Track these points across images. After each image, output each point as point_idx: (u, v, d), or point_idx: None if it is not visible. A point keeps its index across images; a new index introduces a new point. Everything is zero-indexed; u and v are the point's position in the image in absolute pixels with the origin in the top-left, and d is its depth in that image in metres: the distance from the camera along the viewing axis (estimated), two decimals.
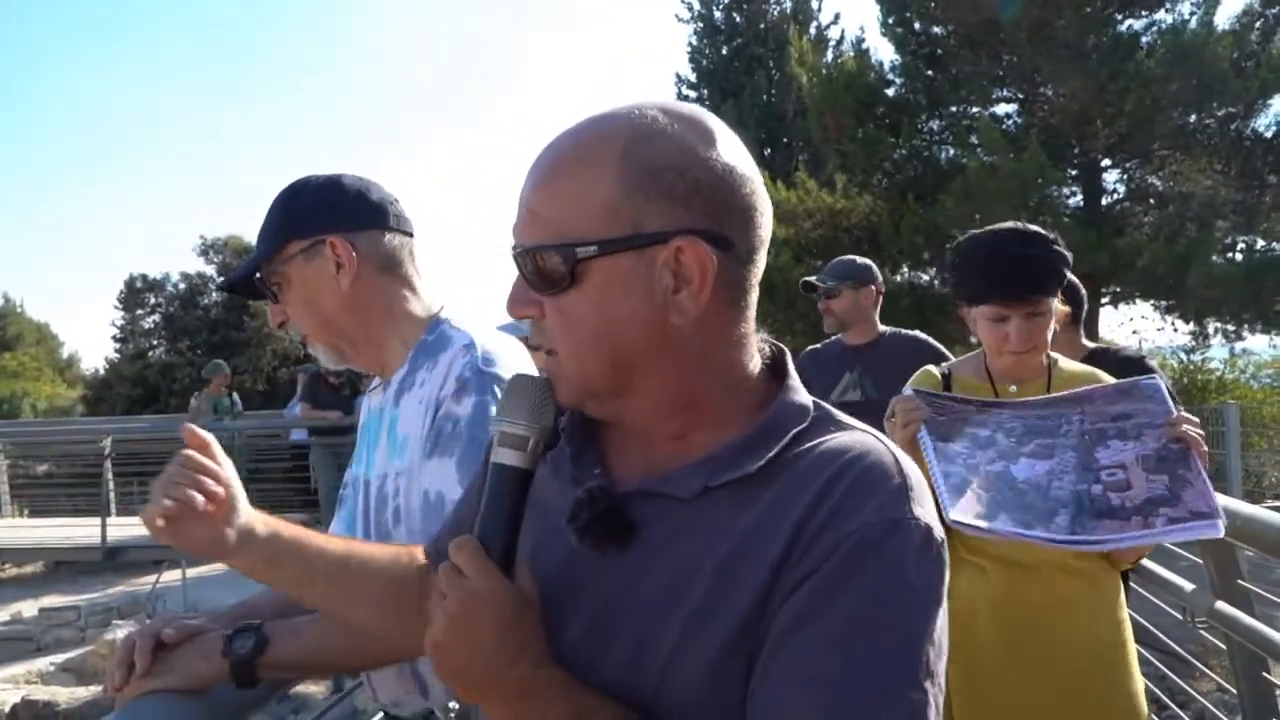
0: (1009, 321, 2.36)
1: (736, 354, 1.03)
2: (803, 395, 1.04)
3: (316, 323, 1.72)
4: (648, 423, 1.04)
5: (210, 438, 1.24)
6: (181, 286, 29.10)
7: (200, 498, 1.18)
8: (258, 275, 1.72)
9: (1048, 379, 2.44)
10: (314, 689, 7.34)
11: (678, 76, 24.70)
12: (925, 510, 0.94)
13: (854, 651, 0.88)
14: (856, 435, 0.99)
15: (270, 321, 1.82)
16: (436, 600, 0.95)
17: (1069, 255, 2.39)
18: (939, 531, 0.94)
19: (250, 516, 1.23)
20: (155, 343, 28.99)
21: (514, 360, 1.67)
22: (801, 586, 0.90)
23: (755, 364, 1.05)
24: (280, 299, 1.73)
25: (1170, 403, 2.16)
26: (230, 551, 1.21)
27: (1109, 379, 2.43)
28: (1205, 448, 2.06)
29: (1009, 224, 2.44)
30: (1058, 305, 2.42)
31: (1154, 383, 2.20)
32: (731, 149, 0.99)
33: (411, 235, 1.79)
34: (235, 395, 11.80)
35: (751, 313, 1.04)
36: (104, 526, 11.21)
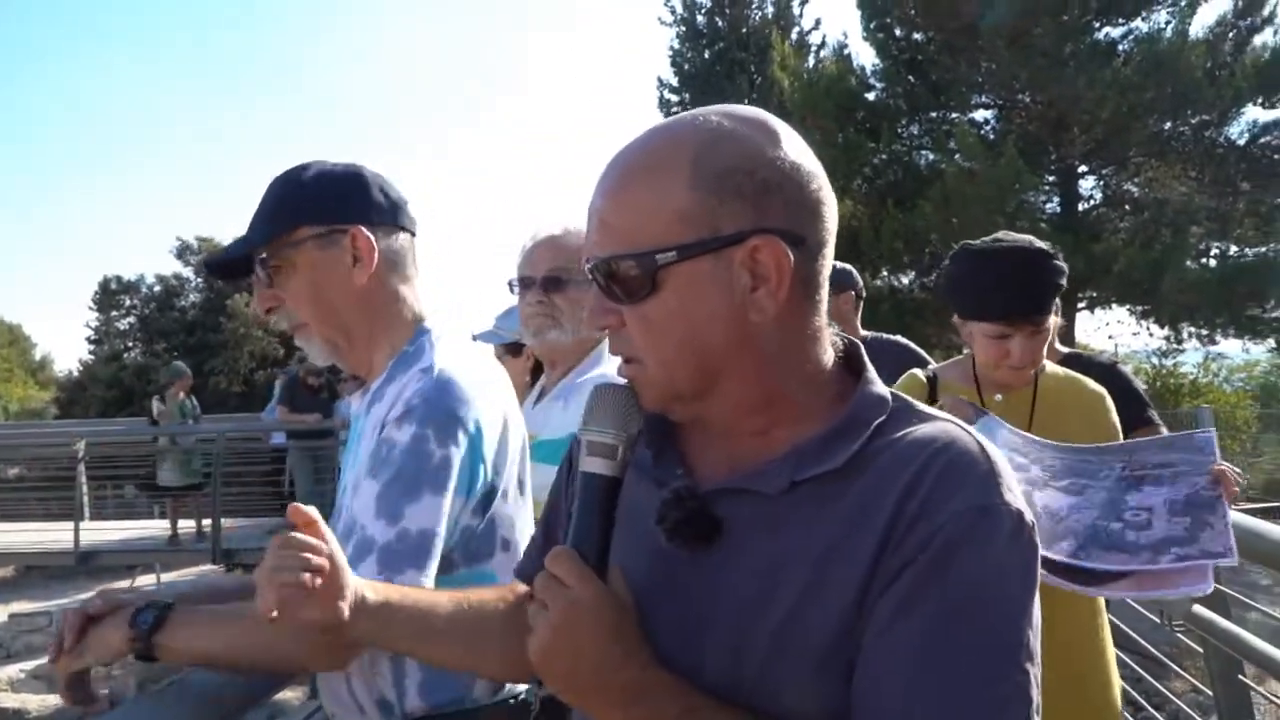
0: (1011, 339, 2.31)
1: (813, 348, 1.04)
2: (880, 387, 1.06)
3: (319, 314, 1.64)
4: (730, 421, 1.05)
5: (315, 513, 1.21)
6: (157, 288, 28.93)
7: (308, 576, 1.16)
8: (263, 255, 1.62)
9: (1034, 387, 2.43)
10: (290, 695, 7.29)
11: (659, 80, 24.78)
12: (1015, 495, 0.95)
13: (957, 638, 0.90)
14: (940, 425, 1.01)
15: (255, 306, 1.70)
16: (537, 611, 0.96)
17: (1066, 268, 2.36)
18: (1029, 515, 0.95)
19: (359, 585, 1.23)
20: (130, 345, 28.81)
21: (475, 388, 1.57)
22: (900, 577, 0.92)
23: (830, 357, 1.06)
24: (275, 283, 1.63)
25: (1217, 452, 2.13)
26: (347, 625, 1.21)
27: (1092, 385, 2.43)
28: (1236, 489, 2.05)
29: (1010, 237, 2.37)
30: (1054, 319, 2.41)
31: (1208, 436, 2.17)
32: (796, 146, 1.01)
33: (415, 235, 1.73)
34: (194, 398, 11.64)
35: (824, 306, 1.06)
36: (77, 531, 11.08)
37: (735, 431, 1.05)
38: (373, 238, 1.62)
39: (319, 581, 1.17)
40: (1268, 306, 15.02)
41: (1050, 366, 2.51)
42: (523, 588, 1.33)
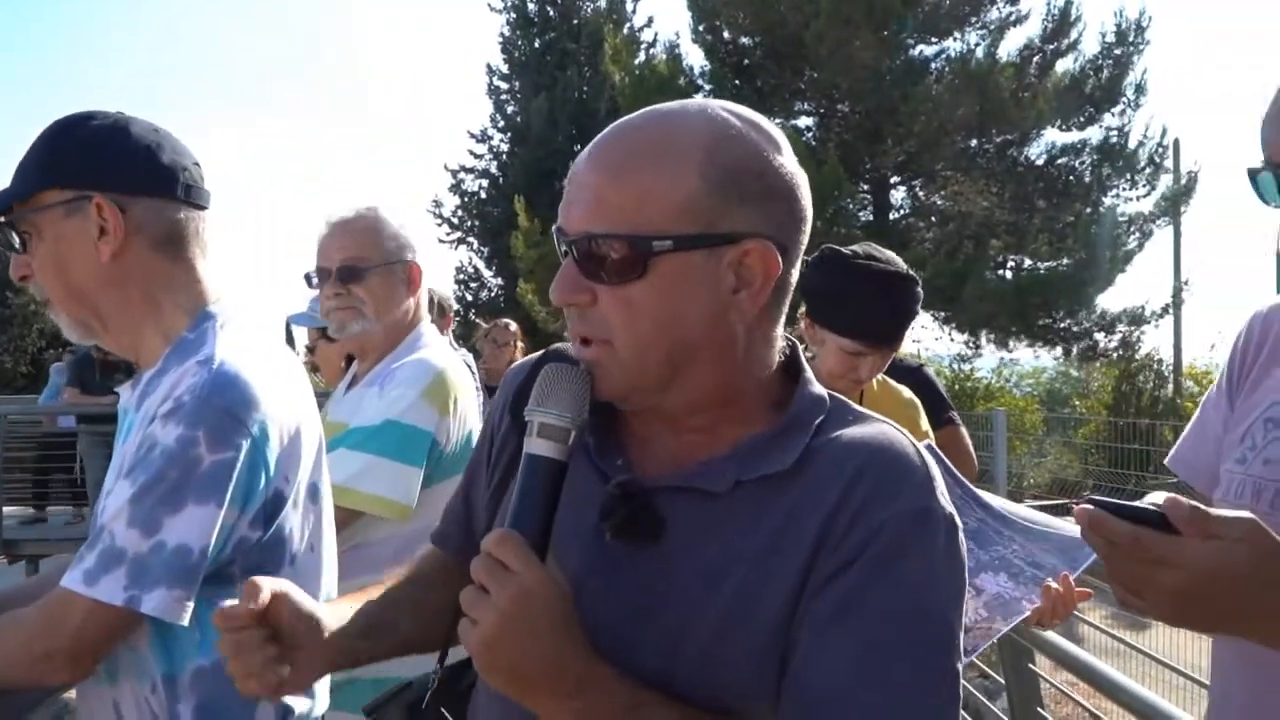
0: (866, 358, 2.29)
1: (770, 353, 1.06)
2: (818, 387, 1.07)
3: (63, 290, 1.47)
4: (679, 416, 1.04)
5: (275, 586, 1.08)
6: None
7: (268, 656, 1.07)
8: (8, 218, 1.45)
9: (860, 397, 2.44)
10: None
11: (489, 67, 24.44)
12: (946, 499, 0.99)
13: (897, 641, 0.92)
14: (876, 425, 1.04)
15: (11, 273, 1.52)
16: (476, 597, 0.90)
17: None
18: (959, 519, 0.99)
19: (311, 624, 1.12)
20: None
21: (262, 384, 1.41)
22: (837, 579, 0.93)
23: (775, 359, 1.07)
24: (28, 249, 1.45)
25: (1076, 570, 2.01)
26: (321, 669, 1.14)
27: (907, 394, 2.51)
28: (1055, 622, 1.99)
29: (884, 255, 2.31)
30: None
31: (1085, 555, 2.01)
32: (793, 157, 1.03)
33: (204, 209, 1.53)
34: None
35: (784, 315, 1.07)
36: None
37: (681, 426, 1.04)
38: (121, 209, 1.43)
39: (284, 673, 1.07)
40: (1057, 317, 16.12)
41: (878, 381, 2.56)
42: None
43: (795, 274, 1.05)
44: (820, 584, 0.94)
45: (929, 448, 2.08)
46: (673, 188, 0.95)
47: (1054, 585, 1.92)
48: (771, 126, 1.03)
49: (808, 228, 1.04)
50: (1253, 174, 1.22)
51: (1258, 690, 1.27)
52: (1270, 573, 1.02)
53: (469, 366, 4.29)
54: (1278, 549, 1.03)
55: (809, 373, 1.08)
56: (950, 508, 0.98)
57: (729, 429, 1.03)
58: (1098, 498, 1.04)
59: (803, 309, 2.42)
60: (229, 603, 1.06)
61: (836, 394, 1.08)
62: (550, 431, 0.98)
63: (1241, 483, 1.23)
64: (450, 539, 1.31)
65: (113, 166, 1.44)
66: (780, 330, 1.07)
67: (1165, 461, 1.53)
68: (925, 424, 2.52)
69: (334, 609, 1.19)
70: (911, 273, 2.31)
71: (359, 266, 2.26)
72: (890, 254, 2.34)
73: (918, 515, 0.95)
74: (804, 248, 1.05)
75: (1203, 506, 1.04)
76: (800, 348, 1.11)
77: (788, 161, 1.01)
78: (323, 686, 1.56)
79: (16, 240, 1.45)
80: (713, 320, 0.98)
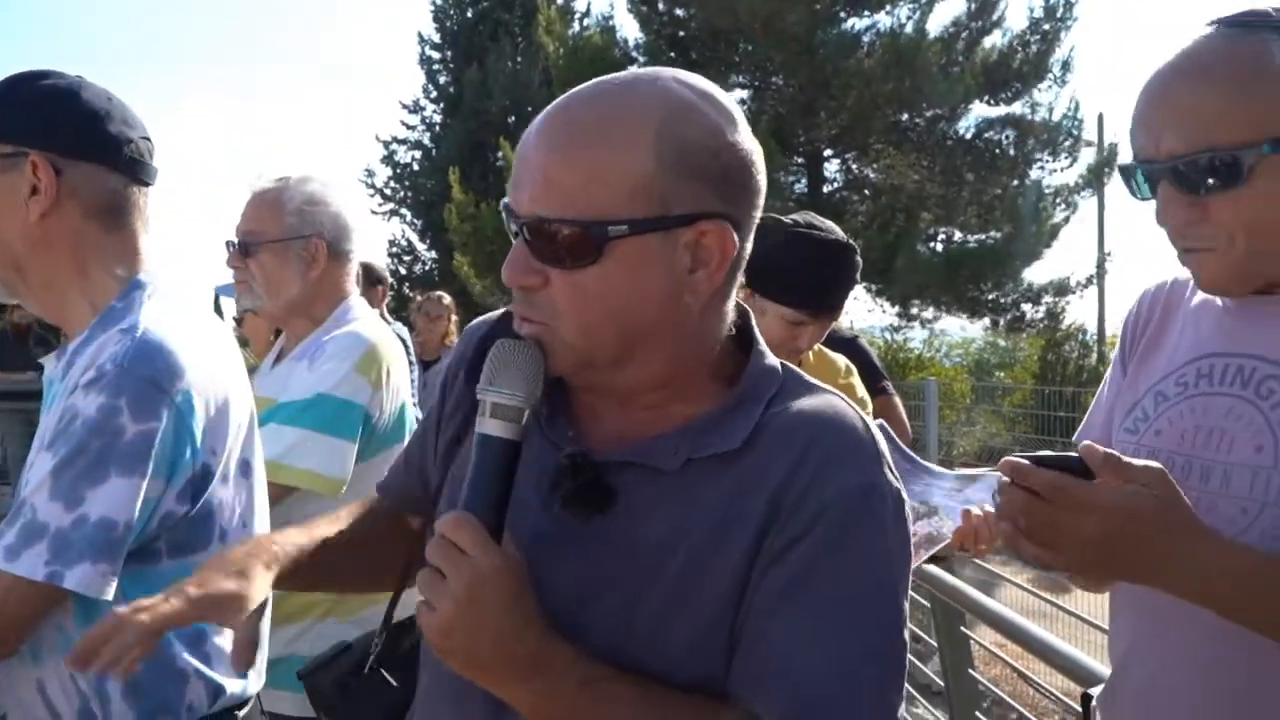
0: (806, 326, 2.29)
1: (721, 326, 1.05)
2: (771, 359, 1.06)
3: None
4: (631, 393, 1.03)
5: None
6: None
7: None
8: None
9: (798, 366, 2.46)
10: None
11: (420, 36, 24.04)
12: (894, 473, 1.00)
13: (848, 616, 0.93)
14: (825, 398, 1.03)
15: None
16: (433, 582, 0.89)
17: None
18: (905, 493, 1.00)
19: (277, 555, 1.15)
20: None
21: (187, 354, 1.39)
22: (788, 554, 0.93)
23: (726, 332, 1.06)
24: None
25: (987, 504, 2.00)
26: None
27: (843, 364, 2.54)
28: (982, 548, 1.99)
29: (815, 222, 2.31)
30: None
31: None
32: (748, 131, 1.00)
33: (148, 184, 1.51)
34: None
35: (736, 289, 1.05)
36: None
37: (632, 403, 1.03)
38: (56, 170, 1.40)
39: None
40: (985, 288, 16.42)
41: (814, 352, 2.58)
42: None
43: (748, 248, 1.03)
44: (770, 559, 0.94)
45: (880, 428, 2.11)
46: (626, 168, 0.92)
47: (975, 511, 1.95)
48: (727, 99, 1.00)
49: (761, 201, 1.02)
50: (1125, 171, 1.27)
51: (1154, 670, 1.31)
52: (1177, 516, 1.07)
53: (402, 340, 4.24)
54: (1180, 496, 1.09)
55: (762, 344, 1.07)
56: (897, 481, 0.99)
57: (680, 406, 1.02)
58: (1021, 453, 1.07)
59: (741, 279, 2.40)
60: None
61: (789, 365, 1.08)
62: (503, 412, 0.96)
63: (1134, 451, 1.27)
64: (391, 489, 1.32)
65: (55, 127, 1.42)
66: (732, 304, 1.06)
67: (1075, 436, 1.57)
68: (862, 391, 2.55)
69: (268, 543, 1.19)
70: (850, 241, 2.33)
71: (252, 241, 2.21)
72: (830, 223, 2.35)
73: (866, 490, 0.96)
74: (756, 222, 1.03)
75: (1116, 453, 1.08)
76: (750, 315, 1.10)
77: (743, 137, 0.99)
78: (258, 665, 1.53)
79: None
80: (668, 301, 0.97)
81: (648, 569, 0.97)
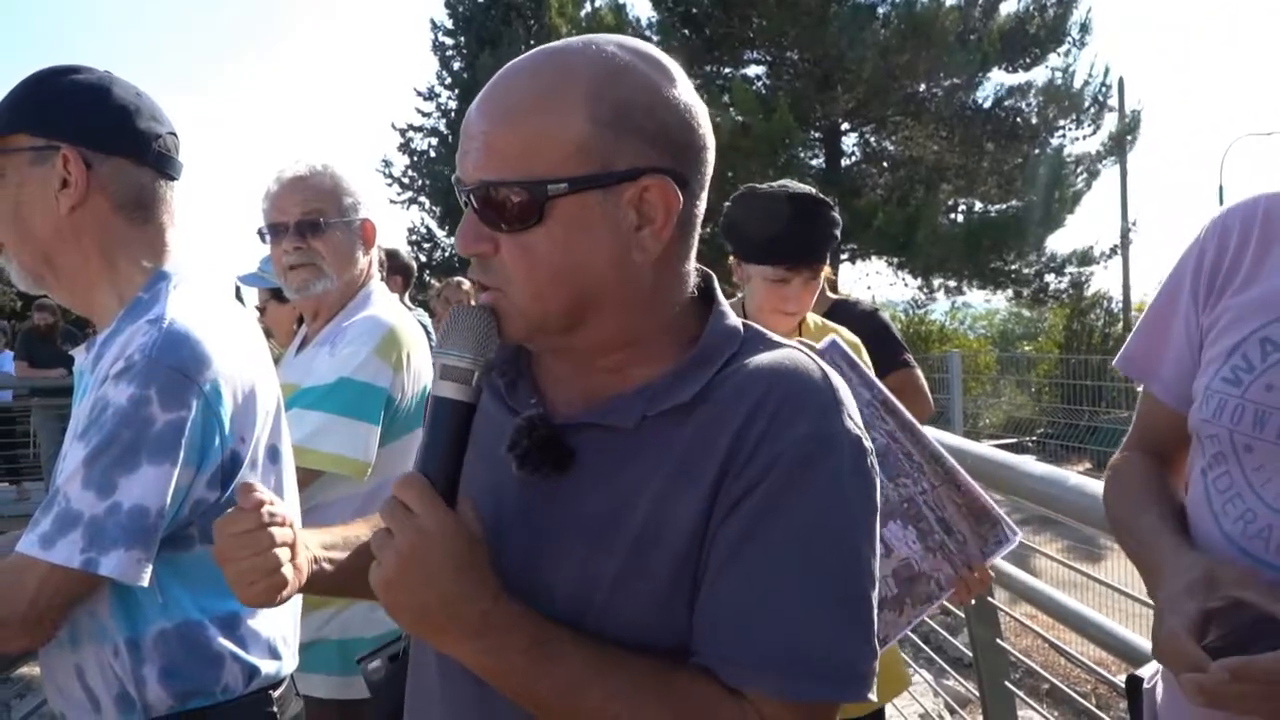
0: (790, 284, 2.36)
1: (680, 290, 1.04)
2: (733, 319, 1.06)
3: (17, 235, 1.46)
4: (589, 356, 1.03)
5: (267, 494, 1.14)
6: None
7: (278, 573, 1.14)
8: None
9: (798, 334, 2.48)
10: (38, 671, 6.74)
11: (433, 23, 24.05)
12: (854, 423, 0.98)
13: (804, 564, 0.92)
14: (785, 352, 1.02)
15: None
16: (383, 539, 0.92)
17: (840, 220, 2.45)
18: (867, 441, 0.99)
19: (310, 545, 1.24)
20: None
21: (214, 343, 1.41)
22: (742, 503, 0.93)
23: (687, 294, 1.06)
24: None
25: (993, 559, 1.98)
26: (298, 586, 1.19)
27: (848, 334, 2.52)
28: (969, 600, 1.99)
29: (789, 184, 2.41)
30: (825, 268, 2.48)
31: (1003, 544, 1.99)
32: (688, 87, 1.00)
33: (175, 179, 1.53)
34: None
35: (694, 249, 1.05)
36: None
37: (591, 367, 1.04)
38: (86, 163, 1.43)
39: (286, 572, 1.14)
40: (1008, 259, 16.31)
41: (810, 316, 2.59)
42: None
43: (701, 206, 1.03)
44: (726, 509, 0.94)
45: (833, 345, 2.09)
46: (562, 129, 0.94)
47: (967, 574, 1.95)
48: (663, 57, 1.01)
49: (710, 158, 1.02)
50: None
51: None
52: None
53: (424, 326, 4.25)
54: None
55: (724, 305, 1.07)
56: (858, 429, 0.98)
57: (639, 368, 1.02)
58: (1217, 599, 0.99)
59: (731, 254, 2.46)
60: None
61: (753, 324, 1.07)
62: (452, 373, 0.97)
63: (1238, 407, 1.17)
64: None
65: (86, 122, 1.44)
66: (690, 265, 1.05)
67: (1114, 363, 1.47)
68: (867, 363, 2.53)
69: (310, 535, 1.25)
70: (824, 197, 2.38)
71: (319, 220, 2.22)
72: (805, 186, 2.41)
73: (822, 438, 0.95)
74: (708, 179, 1.03)
75: None
76: (714, 278, 1.10)
77: (682, 92, 0.99)
78: (291, 647, 1.55)
79: None
80: (616, 260, 0.97)
81: (606, 530, 0.97)
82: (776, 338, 1.06)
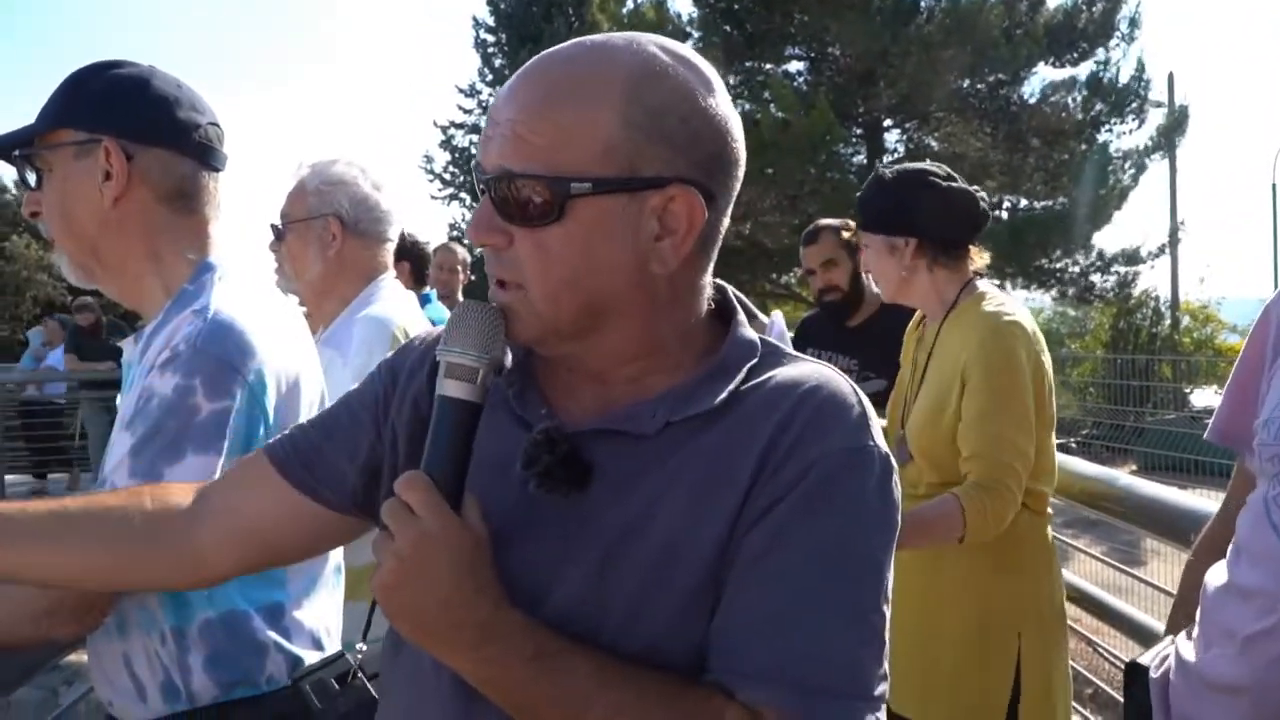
0: (869, 249, 2.49)
1: (697, 303, 1.02)
2: (750, 332, 1.04)
3: (65, 229, 1.48)
4: (604, 366, 1.01)
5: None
6: None
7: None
8: (15, 153, 1.47)
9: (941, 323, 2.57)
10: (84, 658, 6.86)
11: (475, 20, 24.10)
12: (882, 440, 0.97)
13: (826, 579, 0.91)
14: (811, 366, 1.01)
15: (24, 209, 1.56)
16: (384, 541, 0.88)
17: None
18: (893, 460, 0.97)
19: None
20: None
21: (259, 334, 1.41)
22: (768, 515, 0.91)
23: (703, 308, 1.04)
24: (41, 186, 1.48)
25: None
26: None
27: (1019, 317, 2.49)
28: None
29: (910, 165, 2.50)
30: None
31: None
32: (726, 99, 0.98)
33: (218, 170, 1.54)
34: None
35: (712, 264, 1.02)
36: None
37: (608, 377, 1.01)
38: (127, 155, 1.44)
39: None
40: (1053, 257, 16.10)
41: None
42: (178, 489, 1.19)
43: (724, 222, 1.00)
44: (751, 520, 0.92)
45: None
46: (593, 128, 0.91)
47: None
48: (704, 64, 0.98)
49: (740, 174, 0.99)
50: None
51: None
52: None
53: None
54: None
55: (741, 316, 1.05)
56: (885, 448, 0.96)
57: (656, 379, 1.00)
58: None
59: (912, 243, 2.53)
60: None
61: (770, 340, 1.05)
62: (458, 371, 0.93)
63: None
64: (277, 456, 1.18)
65: (127, 114, 1.46)
66: (708, 279, 1.03)
67: (1205, 436, 1.51)
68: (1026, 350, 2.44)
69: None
70: (921, 169, 2.46)
71: (280, 224, 2.25)
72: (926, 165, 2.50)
73: (851, 453, 0.93)
74: (734, 195, 1.00)
75: None
76: (730, 291, 1.08)
77: (719, 103, 0.96)
78: (334, 638, 1.56)
79: (33, 177, 1.48)
80: (633, 269, 0.94)
81: (625, 543, 0.94)
82: (797, 354, 1.04)
